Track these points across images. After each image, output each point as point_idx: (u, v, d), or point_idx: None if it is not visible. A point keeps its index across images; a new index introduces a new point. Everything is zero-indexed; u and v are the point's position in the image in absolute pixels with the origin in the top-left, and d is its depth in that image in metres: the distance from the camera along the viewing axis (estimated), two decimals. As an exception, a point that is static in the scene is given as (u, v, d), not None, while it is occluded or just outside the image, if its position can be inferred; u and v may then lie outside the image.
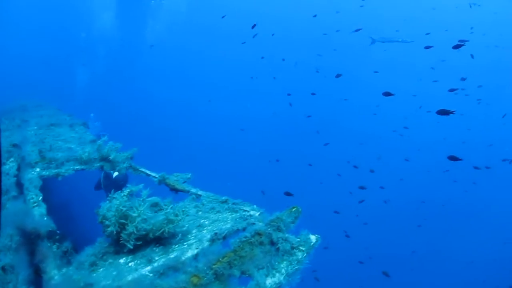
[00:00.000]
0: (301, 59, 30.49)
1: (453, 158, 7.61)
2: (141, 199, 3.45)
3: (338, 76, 10.05)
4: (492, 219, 25.56)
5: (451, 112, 6.76)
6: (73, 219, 10.16)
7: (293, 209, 3.95)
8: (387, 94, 8.69)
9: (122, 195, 3.41)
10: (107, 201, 3.49)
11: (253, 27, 11.07)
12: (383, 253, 19.96)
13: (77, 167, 5.59)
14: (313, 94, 19.83)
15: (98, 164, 5.85)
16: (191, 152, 28.20)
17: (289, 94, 23.06)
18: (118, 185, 8.30)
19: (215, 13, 33.40)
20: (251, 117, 33.77)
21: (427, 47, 13.39)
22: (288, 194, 8.48)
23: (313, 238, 3.69)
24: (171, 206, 3.63)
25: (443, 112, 6.89)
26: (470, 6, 19.27)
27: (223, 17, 24.13)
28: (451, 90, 12.32)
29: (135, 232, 3.32)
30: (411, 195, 24.21)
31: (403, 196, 24.10)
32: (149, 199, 3.60)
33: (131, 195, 3.50)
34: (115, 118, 25.78)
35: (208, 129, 32.42)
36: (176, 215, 3.52)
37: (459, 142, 27.99)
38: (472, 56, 18.86)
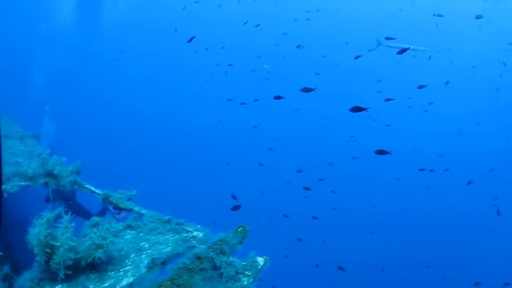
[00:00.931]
0: (256, 67, 30.58)
1: (380, 152, 7.53)
2: (64, 226, 3.13)
3: (277, 98, 9.81)
4: (448, 221, 26.37)
5: (364, 109, 6.68)
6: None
7: (239, 229, 3.71)
8: (306, 90, 8.36)
9: (42, 222, 3.09)
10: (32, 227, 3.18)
11: (189, 40, 10.80)
12: (340, 257, 20.12)
13: (22, 183, 5.27)
14: (256, 100, 19.77)
15: (42, 180, 5.58)
16: (140, 158, 27.82)
17: (229, 100, 23.04)
18: (65, 197, 7.99)
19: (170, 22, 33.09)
20: (197, 124, 33.70)
21: (356, 57, 13.59)
22: (236, 207, 8.19)
23: (260, 260, 3.43)
24: (96, 229, 3.33)
25: (356, 109, 6.78)
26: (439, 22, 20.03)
27: (175, 30, 23.68)
28: (387, 99, 12.53)
29: (61, 262, 3.05)
30: (362, 202, 24.57)
31: (356, 203, 24.52)
32: (68, 223, 3.28)
33: (50, 221, 3.17)
34: (71, 118, 25.06)
35: (157, 134, 32.14)
36: (104, 239, 3.23)
37: (409, 149, 28.92)
38: (447, 82, 19.34)
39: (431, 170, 16.32)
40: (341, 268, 13.25)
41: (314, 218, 15.81)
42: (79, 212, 8.31)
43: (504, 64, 23.35)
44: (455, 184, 25.73)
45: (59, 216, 3.19)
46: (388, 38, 12.09)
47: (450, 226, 26.00)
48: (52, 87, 22.69)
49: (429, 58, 24.20)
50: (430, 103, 24.93)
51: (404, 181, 25.30)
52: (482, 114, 34.08)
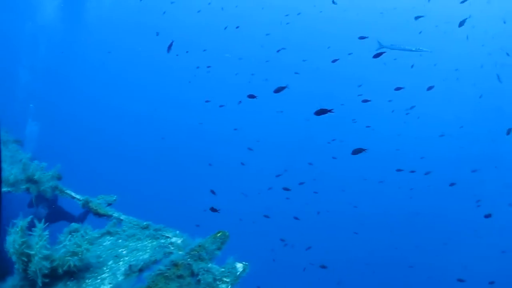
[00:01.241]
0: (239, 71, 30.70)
1: (356, 151, 7.47)
2: (38, 235, 3.11)
3: (251, 96, 9.85)
4: (430, 222, 26.66)
5: (329, 111, 6.61)
6: None
7: (218, 234, 3.70)
8: (279, 89, 8.34)
9: (17, 230, 3.07)
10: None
11: (169, 48, 10.75)
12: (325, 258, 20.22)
13: (4, 189, 5.23)
14: (239, 102, 19.91)
15: (24, 186, 5.56)
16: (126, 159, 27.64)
17: (207, 101, 23.12)
18: (49, 202, 7.86)
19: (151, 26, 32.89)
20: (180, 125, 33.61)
21: (334, 61, 13.71)
22: (213, 209, 8.12)
23: (239, 266, 3.40)
24: (70, 236, 3.32)
25: (321, 112, 6.69)
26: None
27: (157, 34, 23.52)
28: (365, 101, 12.62)
29: (37, 270, 3.04)
30: (346, 203, 24.69)
31: (339, 204, 24.65)
32: (41, 231, 3.25)
33: (24, 229, 3.15)
34: (55, 118, 24.75)
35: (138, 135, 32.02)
36: (79, 246, 3.21)
37: (392, 149, 29.24)
38: (430, 87, 19.37)
39: (412, 171, 16.54)
40: (323, 267, 13.35)
41: (296, 218, 15.91)
42: (63, 216, 8.24)
43: (498, 76, 23.46)
44: (438, 185, 26.07)
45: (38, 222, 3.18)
46: (361, 38, 12.19)
47: (434, 227, 26.32)
48: (36, 86, 22.47)
49: (412, 66, 24.46)
50: (412, 107, 25.26)
51: (387, 182, 25.54)
52: (464, 117, 34.56)
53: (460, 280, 15.66)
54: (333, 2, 18.94)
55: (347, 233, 22.91)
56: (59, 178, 5.89)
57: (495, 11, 32.56)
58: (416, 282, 22.30)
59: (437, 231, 25.90)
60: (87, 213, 8.02)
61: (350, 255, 22.51)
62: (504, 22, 28.12)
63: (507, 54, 25.00)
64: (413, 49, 13.64)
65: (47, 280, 3.09)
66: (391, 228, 25.35)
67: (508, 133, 13.26)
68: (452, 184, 18.59)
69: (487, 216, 13.42)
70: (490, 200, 23.82)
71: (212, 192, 11.56)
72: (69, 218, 8.18)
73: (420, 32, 27.05)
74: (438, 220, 26.84)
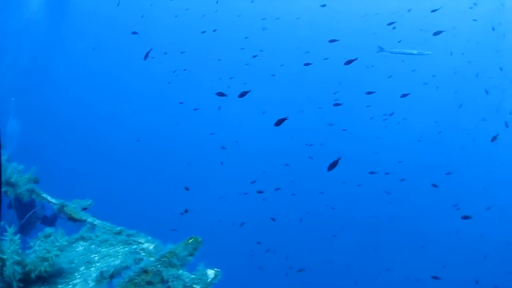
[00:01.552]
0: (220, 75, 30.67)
1: (331, 166, 7.57)
2: (9, 239, 3.14)
3: (221, 94, 9.98)
4: (408, 225, 27.02)
5: (285, 119, 6.77)
6: None
7: (190, 240, 3.74)
8: (242, 94, 8.53)
9: None
10: None
11: (146, 55, 10.78)
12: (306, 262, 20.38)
13: None
14: (219, 108, 20.07)
15: (2, 190, 5.48)
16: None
17: (181, 103, 23.21)
18: (26, 205, 7.77)
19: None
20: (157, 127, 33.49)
21: (306, 64, 13.91)
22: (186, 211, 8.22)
23: (211, 273, 3.39)
24: (40, 241, 3.35)
25: (280, 121, 6.86)
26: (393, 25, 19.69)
27: (137, 33, 23.42)
28: (336, 104, 12.82)
29: (11, 275, 3.08)
30: (324, 204, 24.87)
31: (317, 206, 24.84)
32: (13, 236, 3.27)
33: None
34: (35, 115, 24.39)
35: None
36: (48, 252, 3.24)
37: (370, 153, 29.60)
38: (404, 95, 19.61)
39: (387, 173, 16.81)
40: (301, 270, 13.54)
41: (273, 219, 16.07)
42: (42, 219, 8.21)
43: (486, 91, 23.84)
44: (417, 189, 26.47)
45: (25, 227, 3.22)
46: (331, 41, 12.39)
47: (413, 230, 26.73)
48: (18, 81, 22.18)
49: (389, 77, 24.81)
50: (391, 114, 25.64)
51: (365, 186, 25.85)
52: (443, 123, 35.12)
53: (435, 278, 15.90)
54: (322, 5, 19.22)
55: (326, 236, 23.14)
56: (35, 181, 5.88)
57: (478, 20, 33.06)
58: (395, 283, 22.63)
59: (415, 234, 26.29)
60: (54, 219, 7.99)
61: (329, 258, 22.70)
62: (493, 29, 28.61)
63: (500, 69, 25.43)
64: (415, 52, 13.69)
65: (21, 285, 3.14)
66: (370, 231, 25.67)
67: (492, 140, 13.53)
68: (434, 185, 18.89)
69: (465, 217, 13.64)
70: (468, 204, 24.30)
71: (186, 188, 11.59)
72: (46, 221, 8.17)
73: (399, 41, 27.38)
74: (417, 223, 27.26)
